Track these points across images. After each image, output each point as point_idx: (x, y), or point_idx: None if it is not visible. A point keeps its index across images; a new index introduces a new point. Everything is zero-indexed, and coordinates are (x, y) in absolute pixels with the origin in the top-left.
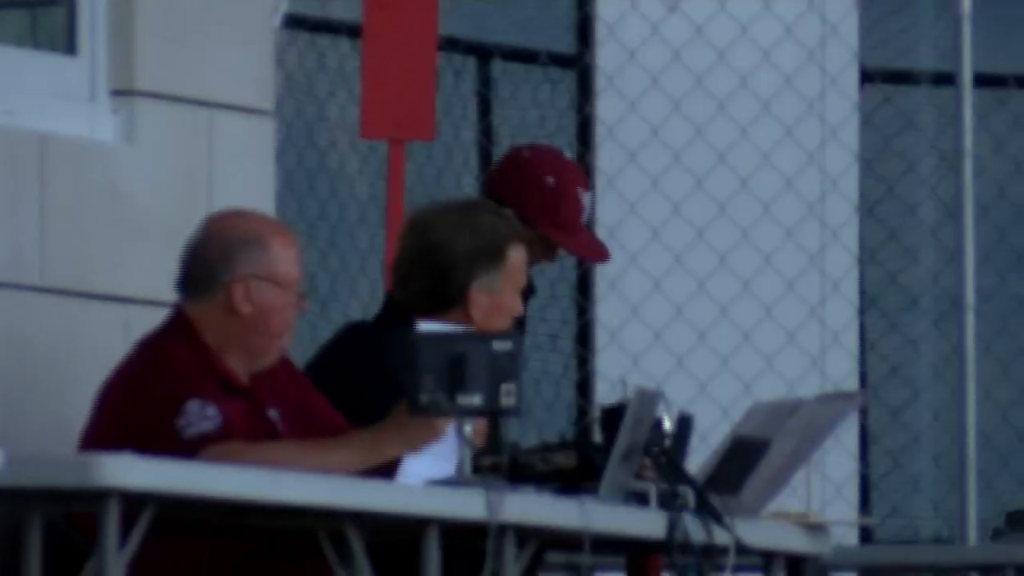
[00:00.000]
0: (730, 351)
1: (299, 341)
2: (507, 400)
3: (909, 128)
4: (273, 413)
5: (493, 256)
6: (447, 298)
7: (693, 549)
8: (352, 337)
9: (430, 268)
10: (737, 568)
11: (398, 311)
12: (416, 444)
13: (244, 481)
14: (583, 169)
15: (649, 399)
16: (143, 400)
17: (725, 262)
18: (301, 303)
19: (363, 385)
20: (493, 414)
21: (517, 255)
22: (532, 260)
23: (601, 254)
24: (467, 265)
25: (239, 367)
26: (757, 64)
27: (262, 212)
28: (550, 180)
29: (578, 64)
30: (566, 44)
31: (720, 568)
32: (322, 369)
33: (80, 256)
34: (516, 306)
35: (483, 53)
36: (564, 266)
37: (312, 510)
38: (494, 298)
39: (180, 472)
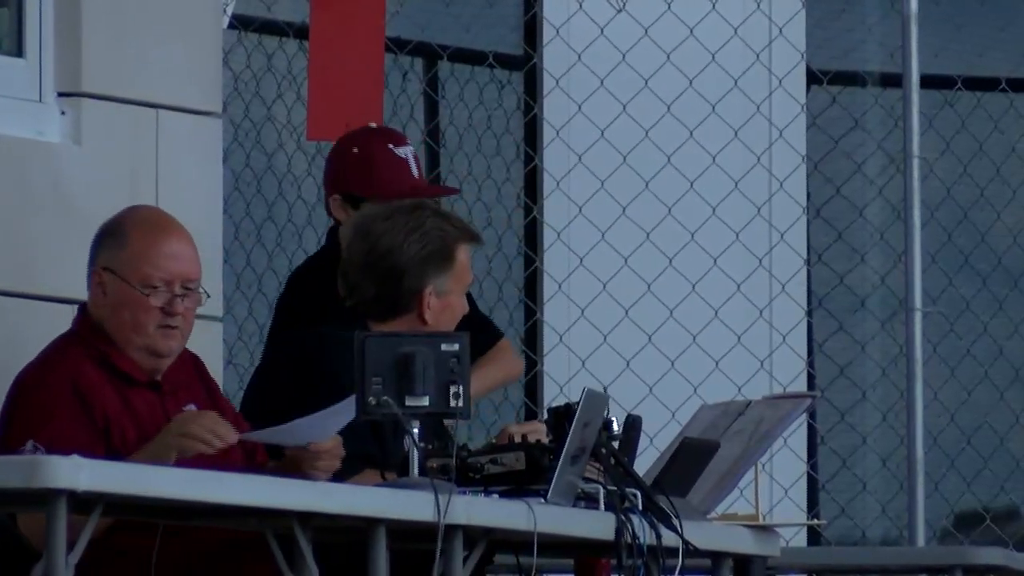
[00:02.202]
0: (678, 353)
1: (247, 343)
2: (455, 402)
3: (856, 129)
4: (191, 407)
5: (443, 259)
6: (401, 304)
7: (641, 551)
8: (300, 338)
9: (381, 274)
10: (685, 570)
11: (351, 314)
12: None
13: (192, 482)
14: (393, 130)
15: (597, 401)
16: (8, 425)
17: (673, 264)
18: (171, 304)
19: (317, 386)
20: (441, 416)
21: (464, 255)
22: None
23: (434, 190)
24: (419, 270)
25: (137, 363)
26: (704, 66)
27: (163, 210)
28: (354, 150)
29: (525, 65)
30: (513, 45)
31: (668, 570)
32: (272, 370)
33: (26, 257)
34: (463, 305)
35: (430, 54)
36: (513, 268)
37: (259, 511)
38: (443, 300)
39: (129, 473)
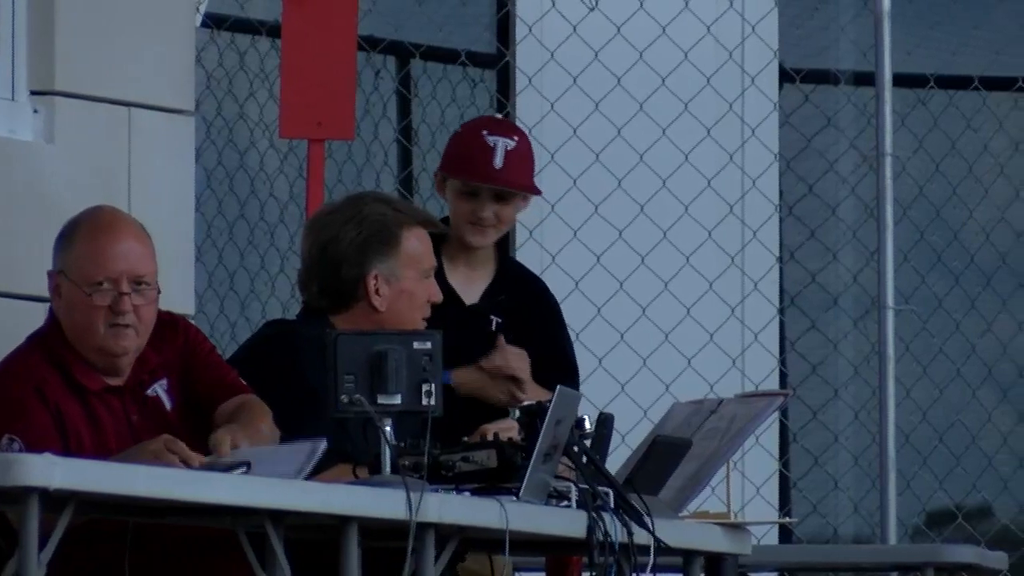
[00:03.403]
0: (650, 351)
1: (219, 340)
2: (427, 400)
3: (829, 128)
4: (157, 388)
5: (384, 243)
6: (346, 293)
7: (613, 548)
8: (272, 335)
9: (324, 266)
10: (657, 568)
11: (311, 312)
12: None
13: (164, 480)
14: (505, 120)
15: (569, 399)
16: None
17: (645, 262)
18: (119, 302)
19: (282, 383)
20: (414, 414)
21: (414, 239)
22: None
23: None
24: (357, 257)
25: (96, 366)
26: (677, 64)
27: (116, 209)
28: (459, 129)
29: (498, 64)
30: (486, 43)
31: (640, 568)
32: (242, 367)
33: (0, 256)
34: (428, 291)
35: (403, 53)
36: None
37: (232, 509)
38: (395, 285)
39: (101, 472)
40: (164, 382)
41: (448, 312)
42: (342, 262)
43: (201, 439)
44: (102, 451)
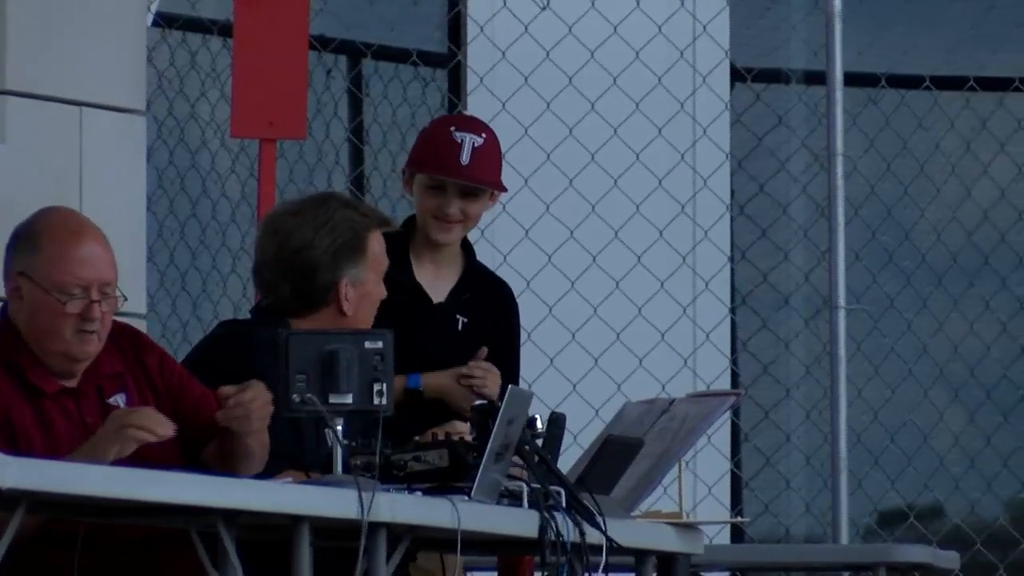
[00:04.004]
0: (602, 350)
1: (171, 340)
2: (379, 399)
3: (780, 127)
4: (118, 399)
5: (355, 250)
6: (317, 298)
7: (565, 548)
8: (225, 335)
9: (296, 271)
10: (609, 567)
11: (270, 312)
12: (106, 453)
13: (116, 480)
14: (474, 118)
15: (521, 399)
16: None
17: (596, 261)
18: (89, 310)
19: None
20: (365, 413)
21: (376, 243)
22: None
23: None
24: (332, 264)
25: (53, 369)
26: (628, 63)
27: (76, 211)
28: (426, 126)
29: (449, 63)
30: (437, 43)
31: (592, 567)
32: (195, 367)
33: None
34: (380, 291)
35: (354, 52)
36: None
37: (184, 508)
38: (360, 289)
39: (53, 471)
40: (124, 395)
41: (415, 310)
42: (317, 268)
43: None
44: (53, 454)
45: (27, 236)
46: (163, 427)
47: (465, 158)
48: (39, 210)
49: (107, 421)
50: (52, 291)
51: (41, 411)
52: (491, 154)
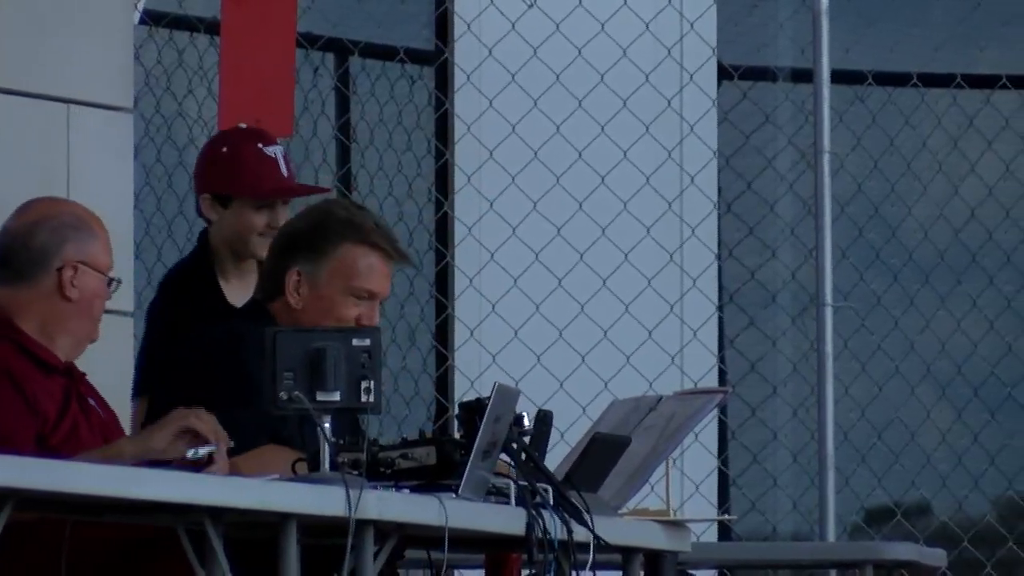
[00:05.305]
0: (589, 348)
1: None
2: (366, 397)
3: (767, 125)
4: (92, 402)
5: (312, 242)
6: (273, 282)
7: (552, 546)
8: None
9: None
10: (596, 565)
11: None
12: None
13: (103, 477)
14: (261, 130)
15: (508, 396)
16: None
17: (584, 259)
18: (110, 292)
19: (221, 379)
20: (352, 411)
21: (353, 256)
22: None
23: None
24: (287, 247)
25: (62, 350)
26: (615, 61)
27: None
28: (223, 150)
29: (436, 60)
30: (424, 40)
31: (579, 565)
32: (182, 365)
33: None
34: (346, 312)
35: (341, 49)
36: (424, 262)
37: (171, 506)
38: (317, 291)
39: (39, 469)
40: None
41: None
42: (277, 249)
43: None
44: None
45: (78, 226)
46: (226, 438)
47: (285, 171)
48: (44, 202)
49: (170, 415)
50: (105, 275)
51: (51, 387)
52: (289, 158)
